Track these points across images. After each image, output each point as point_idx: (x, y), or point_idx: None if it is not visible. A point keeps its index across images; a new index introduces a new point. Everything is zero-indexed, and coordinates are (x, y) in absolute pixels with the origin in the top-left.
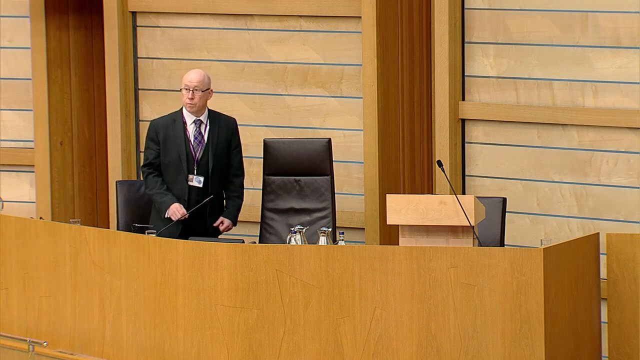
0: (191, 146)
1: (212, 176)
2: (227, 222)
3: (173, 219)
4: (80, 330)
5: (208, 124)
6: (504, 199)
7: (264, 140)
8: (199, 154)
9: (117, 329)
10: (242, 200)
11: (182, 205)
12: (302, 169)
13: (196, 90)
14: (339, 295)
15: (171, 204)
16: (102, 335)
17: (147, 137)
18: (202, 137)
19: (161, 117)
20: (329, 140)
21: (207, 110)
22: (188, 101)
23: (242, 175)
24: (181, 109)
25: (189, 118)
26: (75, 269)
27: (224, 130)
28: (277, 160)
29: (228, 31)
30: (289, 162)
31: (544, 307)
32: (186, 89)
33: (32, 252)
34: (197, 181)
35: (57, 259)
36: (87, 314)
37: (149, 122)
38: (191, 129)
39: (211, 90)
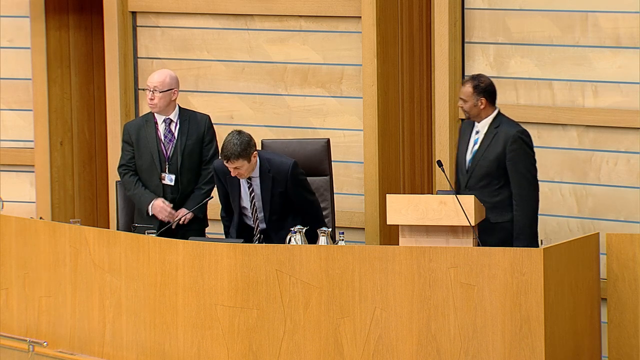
0: (162, 145)
1: (182, 174)
2: (181, 211)
3: (158, 217)
4: (80, 330)
5: (178, 122)
6: None
7: (261, 141)
8: (169, 152)
9: (117, 329)
10: (208, 192)
11: (164, 200)
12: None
13: (155, 90)
14: (339, 295)
15: (152, 200)
16: (102, 335)
17: (122, 140)
18: (173, 135)
19: (134, 120)
20: (328, 140)
21: (177, 108)
22: (149, 101)
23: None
24: None
25: (159, 118)
26: (75, 269)
27: (195, 127)
28: None
29: (228, 31)
30: None
31: (544, 307)
32: (148, 90)
33: (32, 252)
34: (168, 179)
35: (57, 259)
36: (87, 314)
37: None
38: (162, 128)
39: (175, 91)
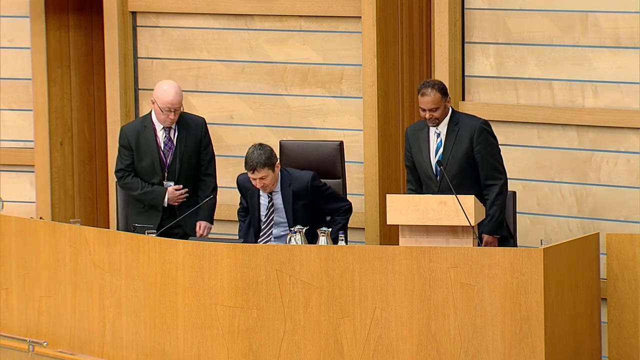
0: (161, 152)
1: (180, 181)
2: (203, 224)
3: (176, 204)
4: (80, 330)
5: (176, 128)
6: (514, 193)
7: (279, 142)
8: (169, 160)
9: (117, 329)
10: (215, 200)
11: (174, 187)
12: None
13: (177, 110)
14: (339, 295)
15: (165, 193)
16: (102, 335)
17: (119, 144)
18: (172, 142)
19: (131, 123)
20: (341, 143)
21: None
22: (169, 122)
23: (213, 175)
24: (150, 112)
25: (158, 124)
26: (75, 269)
27: (193, 132)
28: (292, 162)
29: (228, 31)
30: (302, 166)
31: (544, 307)
32: (168, 110)
33: (32, 252)
34: (167, 186)
35: (57, 259)
36: (87, 314)
37: None
38: (161, 135)
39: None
